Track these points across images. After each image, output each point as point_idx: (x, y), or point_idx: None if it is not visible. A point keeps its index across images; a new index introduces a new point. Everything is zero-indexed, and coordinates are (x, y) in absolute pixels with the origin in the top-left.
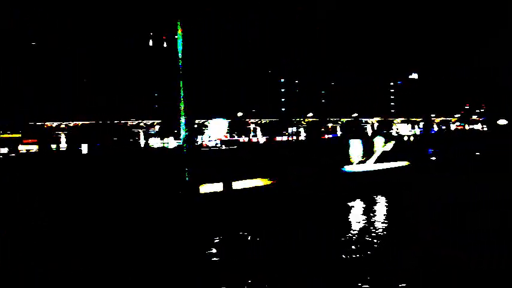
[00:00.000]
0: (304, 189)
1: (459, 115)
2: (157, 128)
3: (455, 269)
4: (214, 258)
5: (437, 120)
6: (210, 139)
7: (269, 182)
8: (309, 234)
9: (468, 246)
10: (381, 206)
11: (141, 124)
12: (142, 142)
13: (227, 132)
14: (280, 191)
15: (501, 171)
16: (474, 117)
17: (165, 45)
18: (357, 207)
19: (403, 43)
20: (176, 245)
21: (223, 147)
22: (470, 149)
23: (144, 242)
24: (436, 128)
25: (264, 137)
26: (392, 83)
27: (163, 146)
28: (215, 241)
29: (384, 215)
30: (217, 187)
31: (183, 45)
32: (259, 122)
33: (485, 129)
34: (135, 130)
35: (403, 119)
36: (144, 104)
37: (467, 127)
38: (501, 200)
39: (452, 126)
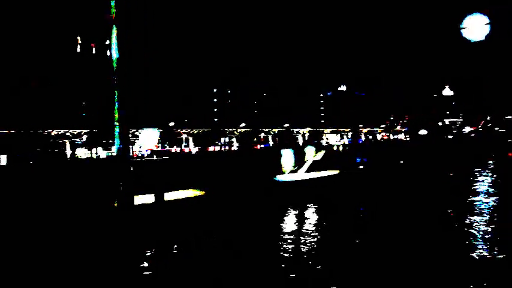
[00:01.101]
0: (237, 199)
1: (384, 126)
2: (84, 137)
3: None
4: (146, 272)
5: (365, 130)
6: (140, 149)
7: (201, 193)
8: (240, 244)
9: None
10: (312, 213)
11: (67, 134)
12: (68, 153)
13: (158, 142)
14: (213, 202)
15: (420, 177)
16: (398, 127)
17: (93, 51)
18: (289, 215)
19: (333, 55)
20: (108, 259)
21: (155, 157)
22: (395, 157)
23: (75, 255)
24: (363, 138)
25: (196, 147)
26: (322, 95)
27: (92, 157)
28: (147, 254)
29: (314, 222)
30: (149, 198)
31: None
32: (191, 132)
33: (408, 138)
34: (61, 140)
35: (332, 129)
36: (71, 112)
37: (392, 137)
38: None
39: (379, 136)
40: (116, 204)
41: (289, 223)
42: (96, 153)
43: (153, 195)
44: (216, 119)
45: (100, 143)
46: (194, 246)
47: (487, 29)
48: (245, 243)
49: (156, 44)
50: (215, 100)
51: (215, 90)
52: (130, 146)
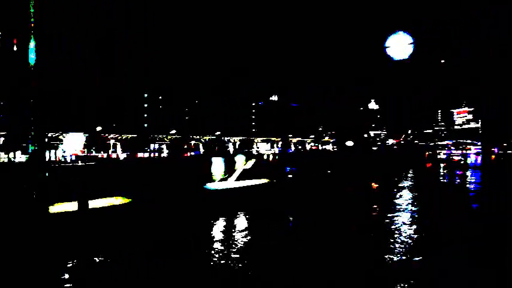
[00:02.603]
0: (165, 207)
1: (313, 136)
2: (1, 140)
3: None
4: (67, 284)
5: (295, 140)
6: (64, 154)
7: (128, 201)
8: (165, 253)
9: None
10: (241, 221)
11: None
12: None
13: (84, 147)
14: (140, 210)
15: (345, 185)
16: (326, 138)
17: (15, 48)
18: (219, 224)
19: (265, 65)
20: (22, 271)
21: (80, 163)
22: (323, 166)
23: None
24: (293, 148)
25: (125, 153)
26: (254, 104)
27: (9, 161)
28: (68, 265)
29: (244, 229)
30: (72, 206)
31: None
32: (119, 137)
33: (336, 149)
34: None
35: (263, 138)
36: None
37: (320, 147)
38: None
39: (308, 146)
40: (28, 213)
41: (219, 230)
42: (14, 157)
43: (76, 202)
44: (146, 125)
45: (19, 146)
46: (118, 257)
47: (410, 48)
48: (172, 253)
49: (86, 44)
50: (146, 105)
51: (146, 95)
52: (53, 151)
